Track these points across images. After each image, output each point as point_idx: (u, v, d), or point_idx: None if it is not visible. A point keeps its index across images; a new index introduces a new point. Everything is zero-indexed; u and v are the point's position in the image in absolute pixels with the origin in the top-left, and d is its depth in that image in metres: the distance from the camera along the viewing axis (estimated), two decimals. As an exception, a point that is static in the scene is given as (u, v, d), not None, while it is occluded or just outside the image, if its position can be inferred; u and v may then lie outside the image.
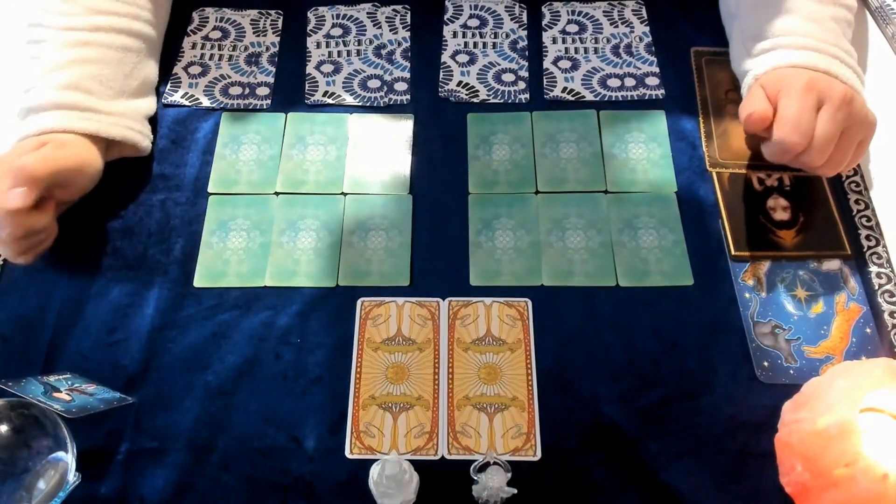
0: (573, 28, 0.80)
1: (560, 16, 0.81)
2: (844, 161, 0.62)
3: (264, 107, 0.75)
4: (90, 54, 0.67)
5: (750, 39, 0.69)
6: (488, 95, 0.75)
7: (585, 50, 0.78)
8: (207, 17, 0.81)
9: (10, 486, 0.51)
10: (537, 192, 0.69)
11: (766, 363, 0.60)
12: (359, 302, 0.64)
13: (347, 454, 0.57)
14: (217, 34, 0.80)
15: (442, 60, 0.77)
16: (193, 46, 0.79)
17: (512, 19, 0.80)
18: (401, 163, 0.71)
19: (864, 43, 0.79)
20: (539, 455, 0.57)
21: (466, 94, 0.75)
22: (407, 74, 0.76)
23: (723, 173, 0.70)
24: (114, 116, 0.67)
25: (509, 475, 0.54)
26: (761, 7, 0.69)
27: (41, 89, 0.65)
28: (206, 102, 0.75)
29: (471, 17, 0.81)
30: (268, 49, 0.79)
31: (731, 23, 0.74)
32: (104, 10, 0.69)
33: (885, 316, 0.62)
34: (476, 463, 0.56)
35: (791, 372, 0.60)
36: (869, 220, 0.67)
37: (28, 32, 0.68)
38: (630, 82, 0.75)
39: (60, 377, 0.57)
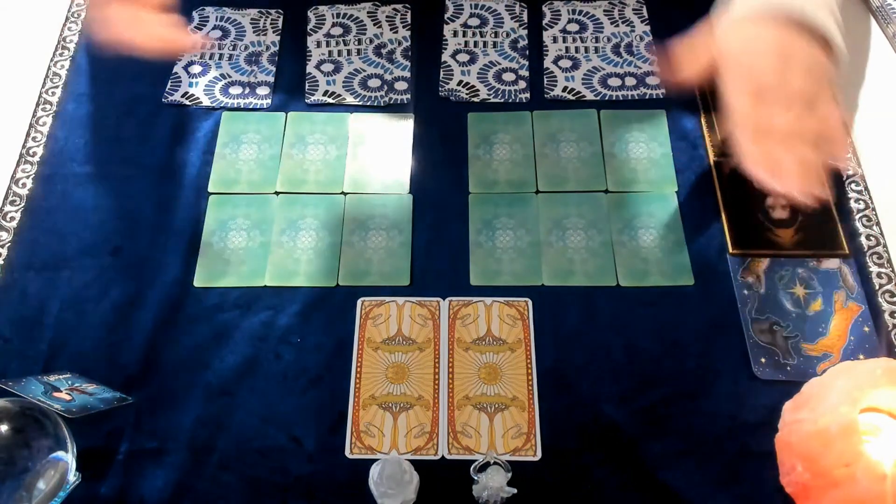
0: (574, 27, 0.79)
1: (560, 15, 0.80)
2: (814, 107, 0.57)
3: (264, 106, 0.75)
4: None
5: None
6: (489, 95, 0.75)
7: (586, 49, 0.78)
8: (207, 17, 0.81)
9: (10, 486, 0.51)
10: (538, 192, 0.69)
11: (763, 359, 0.60)
12: (359, 302, 0.63)
13: (347, 454, 0.57)
14: (217, 33, 0.80)
15: (442, 60, 0.77)
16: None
17: (512, 18, 0.80)
18: (401, 163, 0.71)
19: (864, 43, 0.78)
20: (539, 455, 0.57)
21: (467, 94, 0.75)
22: (407, 74, 0.76)
23: (723, 172, 0.70)
24: None
25: (509, 475, 0.54)
26: None
27: None
28: (206, 102, 0.75)
29: (471, 16, 0.81)
30: (268, 48, 0.78)
31: None
32: None
33: (886, 316, 0.62)
34: (476, 463, 0.56)
35: (788, 369, 0.60)
36: (869, 220, 0.67)
37: None
38: (630, 82, 0.75)
39: (60, 377, 0.57)
